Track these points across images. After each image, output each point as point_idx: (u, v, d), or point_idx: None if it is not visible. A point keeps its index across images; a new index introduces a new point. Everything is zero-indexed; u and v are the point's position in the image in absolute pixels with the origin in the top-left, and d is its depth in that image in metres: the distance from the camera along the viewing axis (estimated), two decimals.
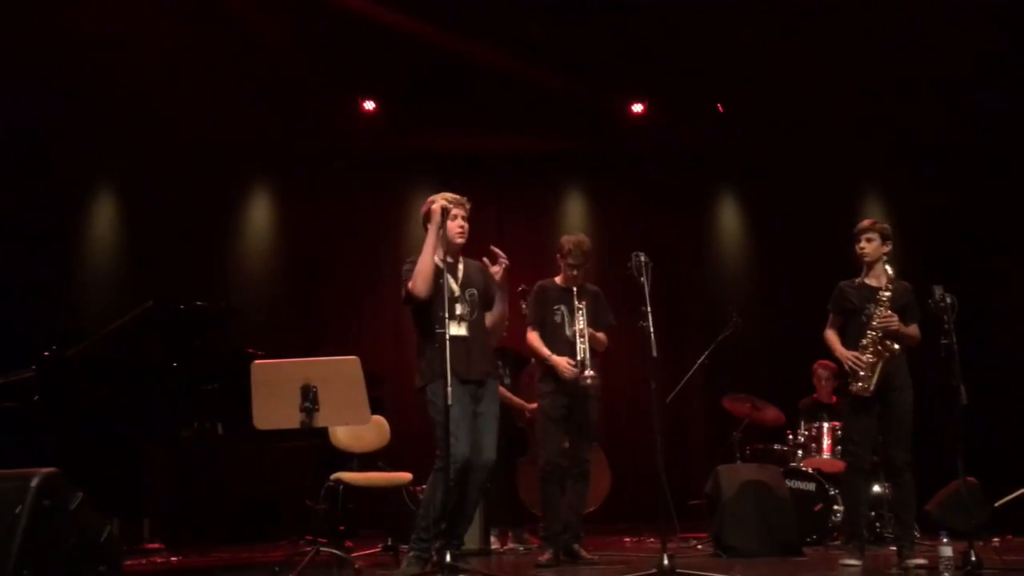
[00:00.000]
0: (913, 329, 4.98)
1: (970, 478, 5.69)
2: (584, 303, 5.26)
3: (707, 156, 9.59)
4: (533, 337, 5.37)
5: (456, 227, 4.55)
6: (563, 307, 5.35)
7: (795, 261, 8.91)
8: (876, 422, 4.97)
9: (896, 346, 4.88)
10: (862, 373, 4.87)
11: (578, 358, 5.16)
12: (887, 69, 8.12)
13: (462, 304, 4.49)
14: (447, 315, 4.27)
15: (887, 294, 4.94)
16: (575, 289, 5.31)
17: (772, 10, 7.67)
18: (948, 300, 4.72)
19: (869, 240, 5.07)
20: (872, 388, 4.85)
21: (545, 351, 5.28)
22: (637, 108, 9.12)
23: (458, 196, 4.62)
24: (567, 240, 5.41)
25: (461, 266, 4.63)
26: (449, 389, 4.03)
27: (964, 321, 4.79)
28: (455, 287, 4.49)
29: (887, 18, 7.60)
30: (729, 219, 9.79)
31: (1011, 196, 8.23)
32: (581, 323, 5.22)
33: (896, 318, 4.89)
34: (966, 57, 7.80)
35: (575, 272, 5.35)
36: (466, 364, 4.36)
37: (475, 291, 4.58)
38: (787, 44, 7.92)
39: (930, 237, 8.78)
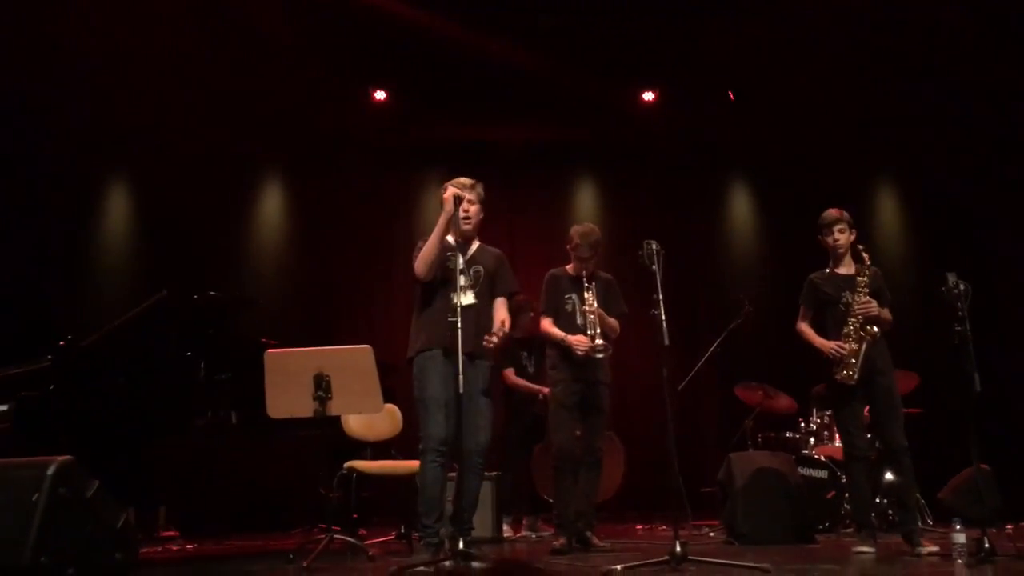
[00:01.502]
0: (886, 312, 5.00)
1: (984, 465, 5.68)
2: (593, 284, 5.27)
3: (718, 144, 9.56)
4: (547, 323, 5.38)
5: (460, 212, 4.55)
6: (574, 295, 5.36)
7: (806, 249, 8.78)
8: (863, 408, 4.99)
9: (876, 330, 4.89)
10: (848, 360, 4.88)
11: (588, 332, 5.17)
12: (899, 58, 8.07)
13: (465, 276, 4.48)
14: (452, 289, 4.27)
15: (864, 279, 4.96)
16: (585, 277, 5.32)
17: None
18: (961, 287, 4.71)
19: (842, 231, 5.11)
20: (856, 375, 4.86)
21: (558, 333, 5.29)
22: (648, 97, 9.10)
23: (469, 180, 4.65)
24: (576, 231, 5.42)
25: (474, 247, 4.65)
26: (460, 378, 4.02)
27: (977, 308, 4.77)
28: (460, 262, 4.43)
29: (900, 5, 7.55)
30: (741, 207, 9.77)
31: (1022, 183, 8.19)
32: (590, 299, 5.22)
33: (875, 303, 4.91)
34: (978, 45, 7.74)
35: (585, 263, 5.35)
36: (463, 334, 4.22)
37: (481, 268, 4.60)
38: (799, 32, 7.88)
39: (943, 225, 8.75)
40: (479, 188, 4.66)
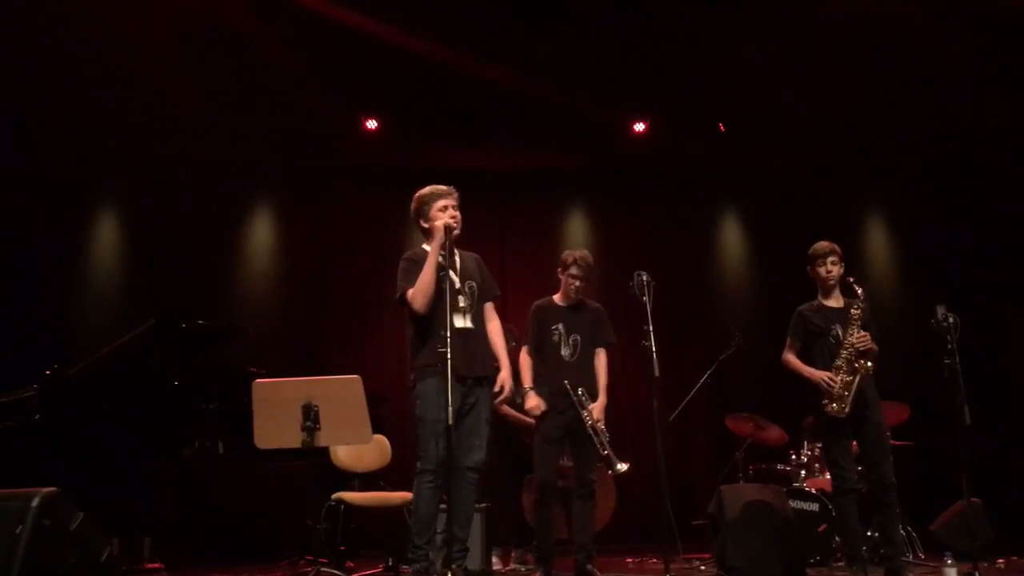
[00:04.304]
0: (874, 345, 5.02)
1: (974, 499, 5.67)
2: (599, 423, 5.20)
3: (709, 174, 9.60)
4: (524, 359, 5.32)
5: (448, 219, 4.50)
6: (560, 325, 5.32)
7: (797, 280, 8.84)
8: (852, 441, 4.99)
9: (869, 364, 4.90)
10: (840, 393, 4.87)
11: (603, 452, 5.12)
12: (889, 86, 8.13)
13: (464, 297, 4.49)
14: (450, 309, 4.26)
15: (858, 312, 4.97)
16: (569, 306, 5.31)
17: (773, 28, 7.69)
18: (951, 320, 4.74)
19: (835, 263, 5.15)
20: (848, 408, 4.86)
21: (526, 379, 5.23)
22: (639, 127, 9.13)
23: (446, 187, 4.63)
24: (569, 253, 5.39)
25: (458, 258, 4.63)
26: (451, 410, 4.01)
27: (967, 339, 4.78)
28: (455, 279, 4.46)
29: (890, 35, 7.62)
30: (731, 237, 9.78)
31: (1015, 212, 8.23)
32: (596, 412, 5.20)
33: (869, 337, 4.92)
34: (967, 74, 7.81)
35: (577, 284, 5.32)
36: (466, 359, 4.30)
37: (474, 283, 4.60)
38: (788, 62, 7.94)
39: (932, 255, 8.78)
40: (456, 194, 4.65)
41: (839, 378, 4.90)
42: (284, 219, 9.34)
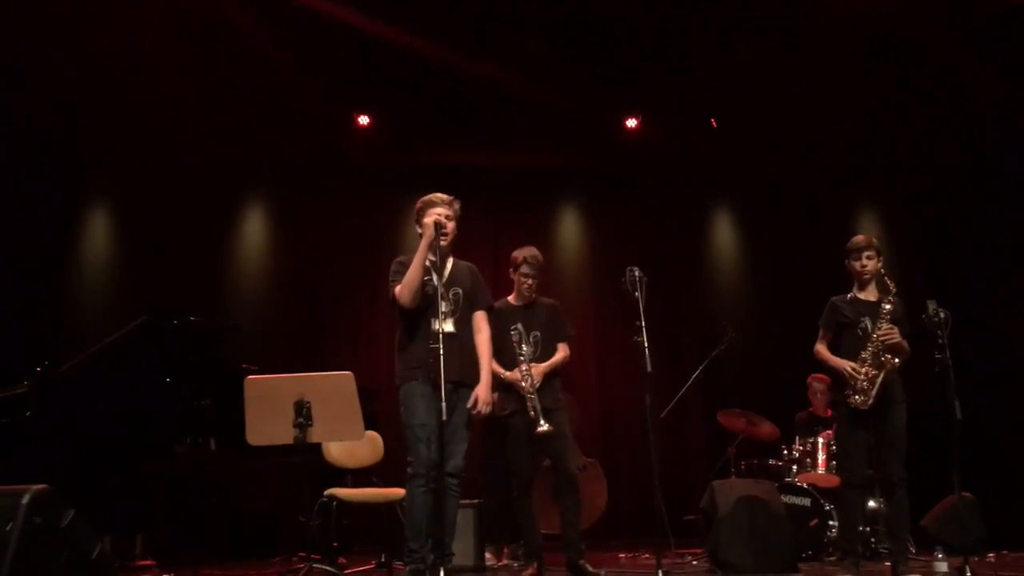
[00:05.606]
0: (904, 343, 5.01)
1: (966, 493, 5.69)
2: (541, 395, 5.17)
3: (702, 171, 9.60)
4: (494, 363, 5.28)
5: (439, 216, 4.53)
6: (520, 324, 5.33)
7: (790, 276, 8.92)
8: (870, 436, 4.98)
9: (896, 360, 4.89)
10: (863, 386, 4.87)
11: (531, 414, 5.07)
12: (882, 84, 8.14)
13: (446, 302, 4.48)
14: (432, 315, 4.29)
15: (888, 307, 4.96)
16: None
17: (767, 25, 7.69)
18: (942, 315, 4.75)
19: (870, 258, 5.12)
20: (871, 402, 4.86)
21: (498, 369, 5.19)
22: (631, 124, 9.12)
23: (446, 196, 4.66)
24: (519, 252, 5.43)
25: (449, 264, 4.63)
26: (443, 404, 4.00)
27: (959, 335, 4.80)
28: (436, 280, 4.42)
29: (883, 33, 7.63)
30: (724, 234, 9.80)
31: (1006, 210, 8.26)
32: (534, 376, 5.18)
33: (897, 332, 4.90)
34: (963, 73, 7.82)
35: (529, 283, 5.36)
36: (445, 363, 4.19)
37: (460, 290, 4.60)
38: (782, 59, 7.94)
39: (925, 251, 8.81)
40: (456, 205, 4.68)
41: (864, 370, 4.90)
42: (277, 217, 9.33)
